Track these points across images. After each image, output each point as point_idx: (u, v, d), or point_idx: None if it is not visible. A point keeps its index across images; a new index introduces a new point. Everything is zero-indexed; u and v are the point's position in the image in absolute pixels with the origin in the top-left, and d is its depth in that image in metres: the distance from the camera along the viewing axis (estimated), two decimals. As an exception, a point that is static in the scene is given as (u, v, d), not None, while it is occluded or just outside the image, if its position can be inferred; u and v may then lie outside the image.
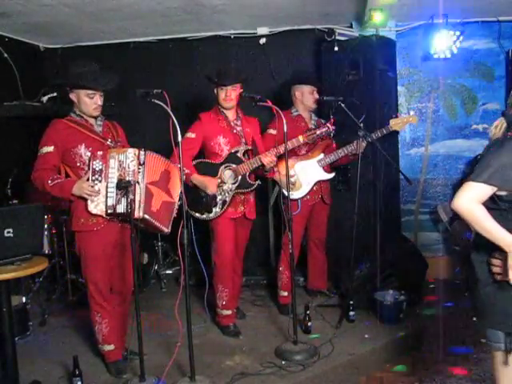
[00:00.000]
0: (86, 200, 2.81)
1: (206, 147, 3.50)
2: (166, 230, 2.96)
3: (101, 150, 2.84)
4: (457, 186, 4.97)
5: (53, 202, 4.35)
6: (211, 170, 3.45)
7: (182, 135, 2.74)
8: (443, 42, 4.49)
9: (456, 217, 4.67)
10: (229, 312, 3.56)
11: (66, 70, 2.96)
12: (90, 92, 2.86)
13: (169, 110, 2.62)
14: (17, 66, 4.67)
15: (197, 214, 3.44)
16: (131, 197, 2.69)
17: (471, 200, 1.89)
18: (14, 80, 4.64)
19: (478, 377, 3.10)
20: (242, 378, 2.90)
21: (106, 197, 2.76)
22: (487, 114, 4.92)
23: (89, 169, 2.82)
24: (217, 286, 3.53)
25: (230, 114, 3.52)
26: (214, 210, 3.42)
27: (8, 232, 2.59)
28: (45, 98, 4.64)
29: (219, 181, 3.43)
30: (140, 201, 2.77)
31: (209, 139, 3.46)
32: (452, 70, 4.90)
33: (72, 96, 2.91)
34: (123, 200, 2.76)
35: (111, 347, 3.02)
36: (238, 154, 3.47)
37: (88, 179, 2.79)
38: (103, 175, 2.79)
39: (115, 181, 2.77)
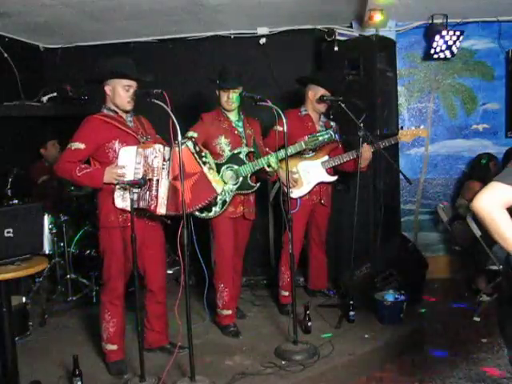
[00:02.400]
0: (113, 192, 2.82)
1: (208, 147, 3.48)
2: (214, 195, 2.94)
3: (132, 145, 2.86)
4: (458, 186, 4.99)
5: (54, 201, 4.39)
6: (212, 170, 3.45)
7: (182, 135, 2.74)
8: (443, 42, 4.50)
9: (456, 217, 4.69)
10: (229, 312, 3.56)
11: (103, 64, 2.98)
12: (126, 84, 2.87)
13: (169, 110, 2.61)
14: (17, 66, 4.67)
15: (197, 213, 3.44)
16: (131, 196, 2.69)
17: (493, 202, 1.64)
18: (14, 80, 4.64)
19: (478, 377, 3.10)
20: (242, 378, 2.89)
21: (130, 191, 2.75)
22: (487, 113, 4.93)
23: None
24: (217, 286, 3.53)
25: (232, 115, 3.52)
26: (213, 209, 3.42)
27: (8, 232, 2.58)
28: (45, 98, 4.65)
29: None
30: (163, 197, 2.77)
31: (210, 139, 3.46)
32: (452, 70, 4.91)
33: (107, 89, 2.91)
34: (146, 196, 2.78)
35: (114, 347, 3.02)
36: (241, 156, 3.47)
37: (116, 165, 2.82)
38: (129, 170, 2.80)
39: (140, 176, 2.79)
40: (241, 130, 3.53)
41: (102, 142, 2.86)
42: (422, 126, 3.94)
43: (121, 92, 2.89)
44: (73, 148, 2.83)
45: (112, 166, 2.84)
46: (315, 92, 3.79)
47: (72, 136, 2.88)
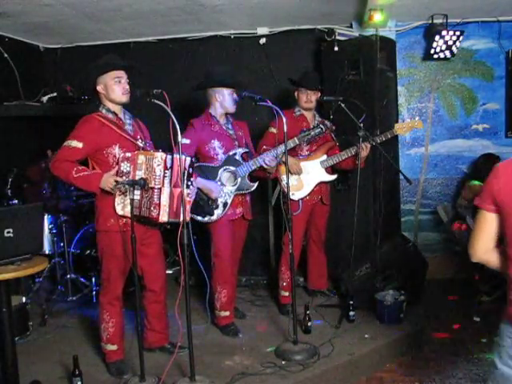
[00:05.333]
0: (113, 197, 2.80)
1: (201, 152, 3.48)
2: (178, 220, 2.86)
3: (132, 151, 2.84)
4: (458, 186, 4.98)
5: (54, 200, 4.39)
6: (210, 173, 3.45)
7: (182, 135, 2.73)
8: (443, 42, 4.49)
9: (456, 217, 4.68)
10: (227, 313, 3.56)
11: (87, 68, 2.94)
12: (117, 75, 2.85)
13: (169, 110, 2.61)
14: (17, 66, 4.67)
15: (199, 218, 3.42)
16: (131, 197, 2.68)
17: None
18: (14, 80, 4.64)
19: (478, 377, 3.10)
20: (242, 378, 2.90)
21: (130, 192, 2.73)
22: (487, 113, 4.93)
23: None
24: (215, 288, 3.53)
25: (222, 119, 3.52)
26: (216, 212, 3.41)
27: (8, 232, 2.58)
28: (45, 98, 4.66)
29: (219, 183, 3.44)
30: (166, 205, 2.74)
31: (203, 144, 3.45)
32: (452, 70, 4.91)
33: (99, 88, 2.89)
34: (148, 204, 2.74)
35: (114, 347, 3.02)
36: (236, 157, 3.47)
37: (116, 174, 2.79)
38: (130, 177, 2.78)
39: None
40: (231, 132, 3.53)
41: (101, 145, 2.84)
42: (417, 118, 3.95)
43: (113, 85, 2.86)
44: (70, 146, 2.80)
45: (110, 173, 2.80)
46: (297, 92, 3.85)
47: (69, 134, 2.85)
